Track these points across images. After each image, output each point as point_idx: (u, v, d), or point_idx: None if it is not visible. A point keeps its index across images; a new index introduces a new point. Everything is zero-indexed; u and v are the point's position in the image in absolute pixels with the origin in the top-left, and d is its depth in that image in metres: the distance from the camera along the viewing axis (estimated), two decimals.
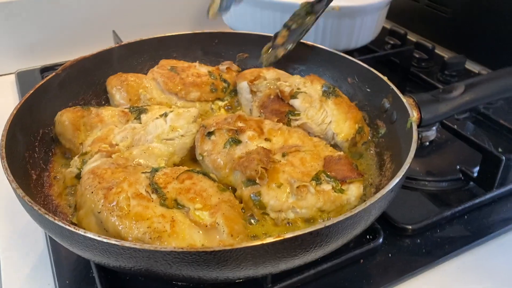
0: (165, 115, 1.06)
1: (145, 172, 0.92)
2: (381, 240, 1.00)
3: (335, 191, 0.92)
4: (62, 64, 1.20)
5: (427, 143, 1.37)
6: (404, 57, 1.75)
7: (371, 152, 1.14)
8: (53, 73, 1.15)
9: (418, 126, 1.09)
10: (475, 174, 1.21)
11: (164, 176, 0.90)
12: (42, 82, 1.11)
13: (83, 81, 1.24)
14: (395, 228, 1.06)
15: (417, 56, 1.83)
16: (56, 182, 1.01)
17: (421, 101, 1.09)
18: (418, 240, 1.06)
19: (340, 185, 0.93)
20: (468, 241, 1.06)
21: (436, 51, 1.88)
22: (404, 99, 1.07)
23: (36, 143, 1.05)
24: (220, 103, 1.29)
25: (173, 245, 0.78)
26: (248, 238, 0.85)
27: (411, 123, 1.00)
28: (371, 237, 1.02)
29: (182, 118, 1.05)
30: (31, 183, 0.95)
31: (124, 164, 0.94)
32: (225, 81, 1.31)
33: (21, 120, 1.02)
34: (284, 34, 1.27)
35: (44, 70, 1.69)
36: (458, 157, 1.31)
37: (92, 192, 0.87)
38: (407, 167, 0.86)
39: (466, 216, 1.13)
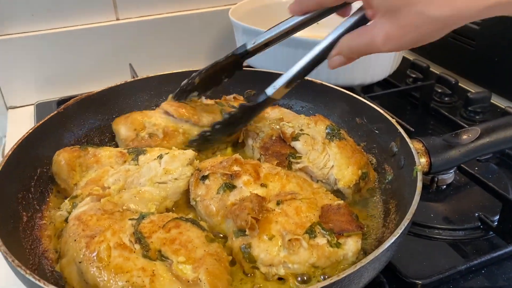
0: (160, 157, 1.03)
1: (132, 219, 0.89)
2: None
3: (330, 246, 0.86)
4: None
5: (444, 187, 1.28)
6: (425, 92, 1.68)
7: (376, 199, 1.07)
8: (55, 111, 1.15)
9: (428, 173, 1.03)
10: (495, 223, 1.12)
11: (150, 225, 0.87)
12: (43, 120, 1.11)
13: (86, 119, 1.24)
14: (402, 283, 0.98)
15: (439, 90, 1.75)
16: (47, 224, 0.99)
17: (431, 146, 1.03)
18: None
19: (336, 238, 0.87)
20: None
21: (460, 84, 1.79)
22: (411, 145, 1.00)
23: (32, 183, 1.04)
24: None
25: None
26: None
27: (416, 172, 0.93)
28: None
29: (177, 161, 1.02)
30: (20, 226, 0.94)
31: (111, 210, 0.91)
32: (233, 107, 1.28)
33: (18, 159, 1.01)
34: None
35: (61, 102, 1.70)
36: (478, 203, 1.22)
37: (75, 240, 0.84)
38: (406, 224, 0.80)
39: (483, 270, 1.03)
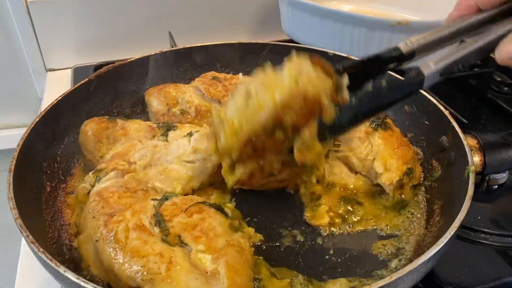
0: (190, 134, 0.98)
1: (155, 199, 0.85)
2: None
3: None
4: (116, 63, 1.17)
5: (495, 187, 1.17)
6: (482, 80, 1.54)
7: (420, 197, 0.98)
8: (86, 79, 1.11)
9: (481, 173, 0.93)
10: None
11: (172, 207, 0.82)
12: (73, 88, 1.08)
13: (118, 88, 1.20)
14: None
15: (498, 79, 1.59)
16: (70, 196, 0.96)
17: (487, 144, 0.93)
18: None
19: None
20: None
21: None
22: (465, 141, 0.90)
23: (59, 152, 1.02)
24: None
25: None
26: None
27: (468, 173, 0.83)
28: None
29: (207, 140, 0.96)
30: (43, 196, 0.91)
31: (134, 188, 0.87)
32: None
33: (46, 127, 0.99)
34: None
35: (98, 67, 1.67)
36: None
37: (94, 217, 0.81)
38: (452, 232, 0.71)
39: None
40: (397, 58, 0.81)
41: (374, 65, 0.82)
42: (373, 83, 0.78)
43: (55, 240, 0.85)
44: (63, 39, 1.74)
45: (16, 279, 0.94)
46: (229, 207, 0.92)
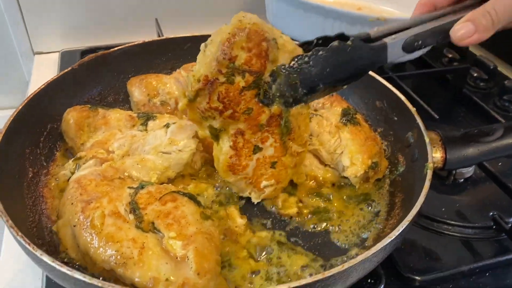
0: (167, 126, 1.02)
1: (131, 188, 0.89)
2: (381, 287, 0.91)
3: None
4: (103, 48, 1.19)
5: (461, 180, 1.22)
6: (459, 75, 1.58)
7: (384, 190, 1.03)
8: (69, 68, 1.14)
9: (442, 168, 0.98)
10: (510, 225, 1.07)
11: (147, 196, 0.87)
12: (57, 76, 1.11)
13: (101, 77, 1.23)
14: (400, 277, 0.96)
15: (475, 75, 1.64)
16: (52, 182, 1.00)
17: (449, 141, 0.97)
18: None
19: None
20: None
21: (500, 69, 1.67)
22: (427, 138, 0.95)
23: (42, 138, 1.05)
24: None
25: (137, 274, 0.75)
26: (217, 277, 0.80)
27: (427, 170, 0.88)
28: (372, 281, 0.93)
29: (183, 132, 1.00)
30: (25, 182, 0.95)
31: (112, 176, 0.91)
32: None
33: (29, 114, 1.02)
34: None
35: (85, 52, 1.70)
36: (495, 201, 1.16)
37: (72, 204, 0.85)
38: (404, 225, 0.76)
39: (488, 273, 0.99)
40: (365, 40, 0.87)
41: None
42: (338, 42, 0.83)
43: (36, 224, 0.89)
44: (50, 23, 1.75)
45: None
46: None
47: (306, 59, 0.83)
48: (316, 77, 0.84)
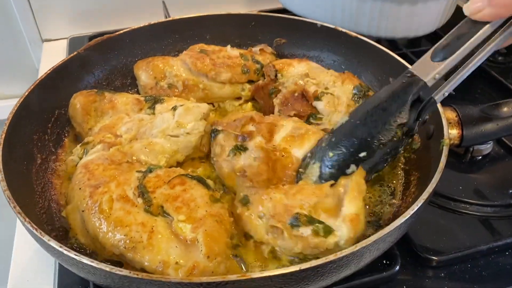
0: (174, 108, 1.00)
1: (139, 171, 0.88)
2: (397, 268, 0.89)
3: (316, 236, 0.77)
4: (112, 33, 1.18)
5: (479, 157, 1.18)
6: None
7: (399, 169, 1.00)
8: (75, 52, 1.12)
9: (458, 145, 0.94)
10: None
11: (155, 179, 0.85)
12: (63, 61, 1.10)
13: (108, 61, 1.21)
14: (417, 257, 0.94)
15: None
16: (60, 168, 1.00)
17: (466, 117, 0.94)
18: (442, 274, 0.93)
19: (326, 228, 0.78)
20: (502, 284, 0.91)
21: None
22: (443, 114, 0.91)
23: (50, 124, 1.05)
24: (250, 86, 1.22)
25: (146, 258, 0.74)
26: (228, 260, 0.78)
27: (443, 146, 0.85)
28: (388, 262, 0.91)
29: (191, 114, 0.98)
30: (34, 168, 0.95)
31: (119, 160, 0.90)
32: (258, 62, 1.23)
33: (37, 99, 1.01)
34: None
35: (93, 37, 1.68)
36: None
37: (80, 189, 0.85)
38: (419, 204, 0.74)
39: (508, 252, 0.97)
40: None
41: None
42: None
43: (45, 210, 0.89)
44: (58, 10, 1.73)
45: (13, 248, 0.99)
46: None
47: None
48: None
